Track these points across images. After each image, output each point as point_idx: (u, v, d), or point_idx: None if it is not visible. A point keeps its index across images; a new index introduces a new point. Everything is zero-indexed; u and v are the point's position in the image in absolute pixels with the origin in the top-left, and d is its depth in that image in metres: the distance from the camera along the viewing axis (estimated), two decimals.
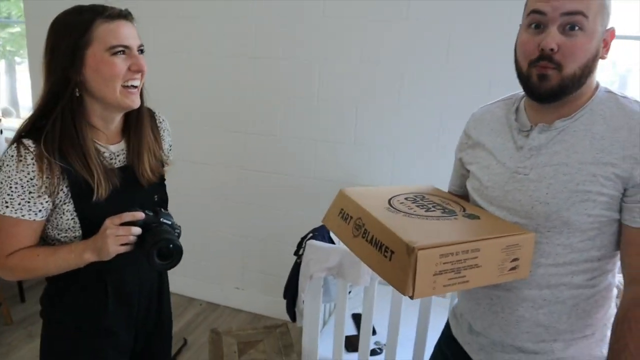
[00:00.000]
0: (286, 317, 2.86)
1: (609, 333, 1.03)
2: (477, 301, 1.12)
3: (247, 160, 2.79)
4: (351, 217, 1.05)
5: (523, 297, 1.03)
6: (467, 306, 1.17)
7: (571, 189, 0.95)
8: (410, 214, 1.00)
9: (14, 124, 3.64)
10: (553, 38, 0.92)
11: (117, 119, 1.17)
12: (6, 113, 3.80)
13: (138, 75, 1.10)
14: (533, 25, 0.96)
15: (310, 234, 1.87)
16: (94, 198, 1.07)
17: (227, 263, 2.99)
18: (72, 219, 1.09)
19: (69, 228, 1.10)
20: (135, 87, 1.11)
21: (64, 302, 1.19)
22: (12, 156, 1.04)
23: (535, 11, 0.94)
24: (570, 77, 0.94)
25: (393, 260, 0.89)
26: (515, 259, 0.93)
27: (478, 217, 1.01)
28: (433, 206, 1.06)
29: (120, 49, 1.06)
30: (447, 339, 1.27)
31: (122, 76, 1.07)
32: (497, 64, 2.20)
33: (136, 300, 1.25)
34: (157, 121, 1.31)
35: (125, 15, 1.09)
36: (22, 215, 1.06)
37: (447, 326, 1.30)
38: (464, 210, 1.04)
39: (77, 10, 1.07)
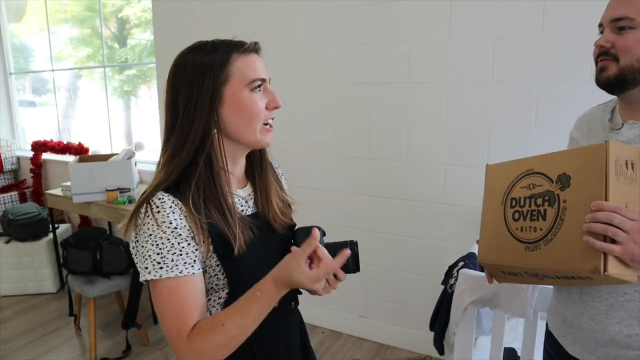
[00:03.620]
0: (414, 348, 2.79)
1: None
2: (569, 290, 1.15)
3: (372, 187, 2.77)
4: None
5: (613, 286, 1.05)
6: (560, 296, 1.20)
7: None
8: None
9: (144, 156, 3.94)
10: (604, 37, 1.08)
11: (244, 159, 1.09)
12: (139, 147, 4.12)
13: (274, 112, 1.04)
14: (599, 32, 1.12)
15: (462, 263, 1.79)
16: (235, 252, 0.96)
17: (351, 291, 2.96)
18: (216, 275, 0.98)
19: (211, 287, 0.99)
20: (271, 124, 1.04)
21: None
22: (147, 213, 0.92)
23: (599, 24, 1.12)
24: (628, 69, 1.05)
25: None
26: None
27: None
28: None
29: (259, 82, 0.99)
30: (546, 336, 1.30)
31: (263, 116, 1.00)
32: None
33: None
34: (274, 166, 1.23)
35: (257, 50, 1.03)
36: (180, 272, 0.91)
37: (547, 323, 1.31)
38: (552, 181, 1.05)
39: (211, 46, 0.98)
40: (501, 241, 1.11)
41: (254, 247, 1.01)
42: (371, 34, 2.63)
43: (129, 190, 3.31)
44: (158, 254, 0.91)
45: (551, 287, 1.05)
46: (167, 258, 0.91)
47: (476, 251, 1.90)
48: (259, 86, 1.00)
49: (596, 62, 1.11)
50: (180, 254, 0.92)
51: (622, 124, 1.11)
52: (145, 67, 4.20)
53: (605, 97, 1.22)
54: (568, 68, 2.21)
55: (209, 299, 1.01)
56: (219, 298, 1.01)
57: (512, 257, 1.08)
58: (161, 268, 0.91)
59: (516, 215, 1.09)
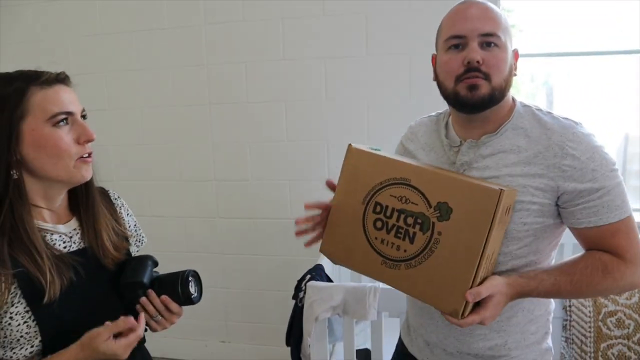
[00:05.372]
0: None
1: (551, 326, 1.17)
2: (430, 315, 1.15)
3: (220, 209, 2.72)
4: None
5: None
6: (420, 321, 1.20)
7: None
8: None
9: None
10: (477, 52, 0.99)
11: (63, 196, 1.01)
12: None
13: (89, 145, 0.97)
14: (453, 47, 1.03)
15: (309, 276, 1.84)
16: (45, 299, 0.88)
17: (209, 317, 2.86)
18: (25, 322, 0.88)
19: (21, 337, 0.88)
20: (90, 154, 0.98)
21: None
22: None
23: (454, 36, 1.02)
24: (498, 88, 1.01)
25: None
26: None
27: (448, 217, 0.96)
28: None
29: (63, 116, 0.92)
30: (402, 356, 1.30)
31: (74, 152, 0.94)
32: None
33: None
34: (112, 198, 1.16)
35: (62, 79, 0.95)
36: None
37: (401, 343, 1.32)
38: (430, 206, 0.97)
39: (5, 79, 0.91)
40: (354, 244, 1.04)
41: (77, 288, 0.95)
42: (207, 55, 2.60)
43: None
44: None
45: (392, 288, 1.04)
46: None
47: (323, 262, 1.98)
48: (64, 119, 0.93)
49: (457, 79, 1.02)
50: None
51: (461, 142, 1.10)
52: None
53: (422, 107, 1.30)
54: (390, 85, 2.42)
55: (20, 352, 0.90)
56: (32, 351, 0.90)
57: (364, 266, 1.04)
58: None
59: (379, 224, 1.01)
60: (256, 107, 2.58)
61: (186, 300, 1.04)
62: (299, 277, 1.93)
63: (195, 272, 1.08)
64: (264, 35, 2.51)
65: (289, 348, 1.94)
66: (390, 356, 1.42)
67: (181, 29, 2.60)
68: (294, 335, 1.87)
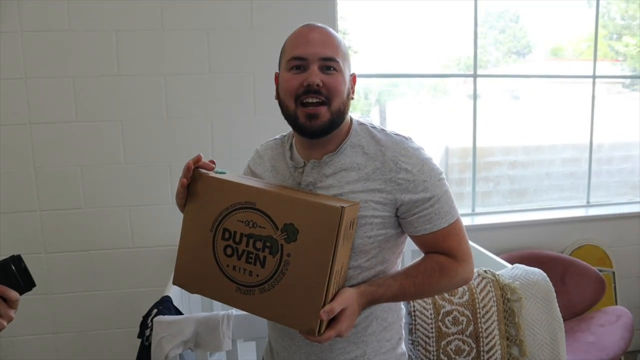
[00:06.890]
0: None
1: (403, 332, 1.25)
2: (291, 337, 1.17)
3: (47, 243, 2.38)
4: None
5: None
6: (282, 344, 1.21)
7: None
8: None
9: None
10: (317, 75, 1.04)
11: None
12: None
13: None
14: (294, 68, 1.06)
15: (155, 310, 1.68)
16: None
17: None
18: None
19: None
20: None
21: None
22: None
23: (296, 57, 1.06)
24: (337, 112, 1.06)
25: None
26: None
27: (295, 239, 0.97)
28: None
29: None
30: None
31: None
32: None
33: None
34: None
35: None
36: None
37: None
38: (277, 228, 0.98)
39: None
40: (207, 273, 1.02)
41: None
42: (26, 67, 2.28)
43: None
44: None
45: (245, 313, 1.01)
46: None
47: (171, 294, 1.84)
48: None
49: (296, 99, 1.05)
50: None
51: (305, 163, 1.13)
52: None
53: (266, 126, 1.29)
54: (236, 102, 2.38)
55: None
56: None
57: (219, 294, 1.03)
58: None
59: (229, 251, 1.00)
60: (88, 127, 2.33)
61: (27, 280, 0.87)
62: (144, 312, 1.76)
63: (20, 256, 0.90)
64: (94, 48, 2.29)
65: None
66: None
67: None
68: None
